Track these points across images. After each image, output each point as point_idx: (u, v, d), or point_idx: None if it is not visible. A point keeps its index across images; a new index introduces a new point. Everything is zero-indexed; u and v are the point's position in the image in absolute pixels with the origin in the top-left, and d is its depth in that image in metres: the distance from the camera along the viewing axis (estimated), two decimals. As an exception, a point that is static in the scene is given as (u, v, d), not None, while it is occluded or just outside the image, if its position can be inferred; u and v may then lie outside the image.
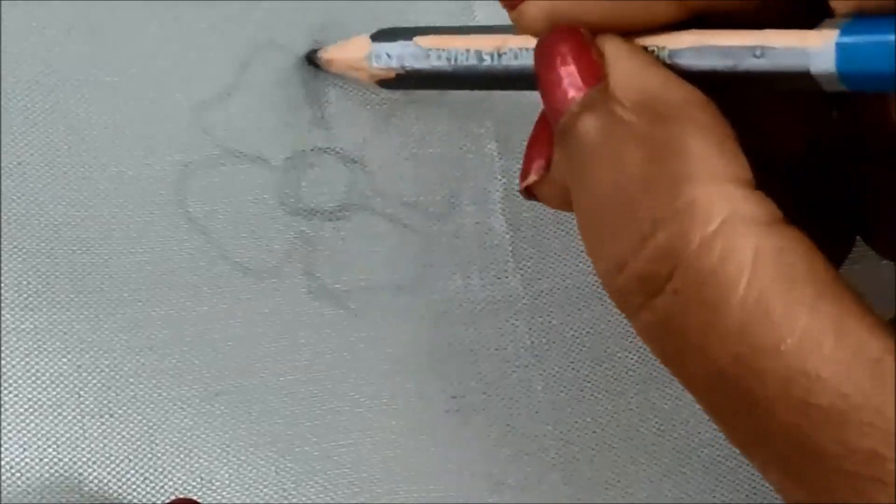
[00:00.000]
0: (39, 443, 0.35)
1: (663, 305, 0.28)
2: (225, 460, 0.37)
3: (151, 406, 0.37)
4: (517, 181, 0.41)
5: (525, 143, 0.42)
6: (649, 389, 0.40)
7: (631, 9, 0.30)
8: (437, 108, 0.42)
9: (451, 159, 0.41)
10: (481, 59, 0.35)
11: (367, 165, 0.41)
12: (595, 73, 0.30)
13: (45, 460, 0.35)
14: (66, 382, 0.36)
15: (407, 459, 0.38)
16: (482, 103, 0.42)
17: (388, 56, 0.37)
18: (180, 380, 0.37)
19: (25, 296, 0.37)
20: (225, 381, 0.37)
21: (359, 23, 0.40)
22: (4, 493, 0.35)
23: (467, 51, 0.35)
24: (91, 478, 0.36)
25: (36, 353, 0.36)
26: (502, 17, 0.33)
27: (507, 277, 0.41)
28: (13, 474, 0.35)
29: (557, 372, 0.40)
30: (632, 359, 0.41)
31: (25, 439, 0.35)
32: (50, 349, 0.36)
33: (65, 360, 0.36)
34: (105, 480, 0.36)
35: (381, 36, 0.38)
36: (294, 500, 0.37)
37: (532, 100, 0.42)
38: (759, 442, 0.28)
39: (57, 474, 0.35)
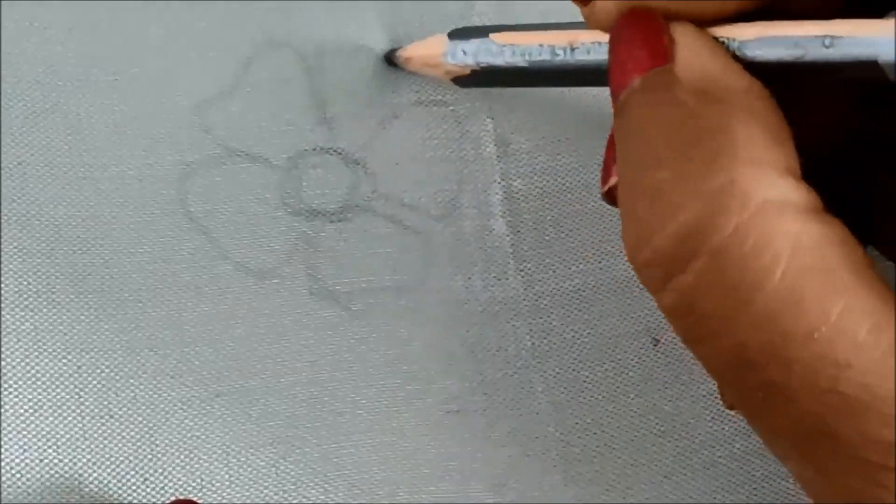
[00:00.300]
0: (39, 443, 0.35)
1: (686, 286, 0.28)
2: (225, 461, 0.37)
3: (152, 407, 0.37)
4: (517, 183, 0.41)
5: (524, 145, 0.42)
6: (650, 391, 0.40)
7: None
8: (439, 110, 0.42)
9: (451, 161, 0.41)
10: (554, 55, 0.35)
11: (368, 166, 0.41)
12: (662, 54, 0.30)
13: (45, 461, 0.35)
14: (66, 383, 0.36)
15: (407, 461, 0.38)
16: (483, 106, 0.42)
17: (464, 53, 0.38)
18: (181, 381, 0.37)
19: (25, 296, 0.36)
20: (225, 382, 0.37)
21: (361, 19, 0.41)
22: (4, 493, 0.35)
23: (540, 46, 0.35)
24: (91, 478, 0.36)
25: (36, 353, 0.36)
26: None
27: (507, 279, 0.41)
28: (13, 475, 0.35)
29: (558, 373, 0.40)
30: (632, 360, 0.41)
31: (25, 440, 0.35)
32: (50, 350, 0.36)
33: (65, 360, 0.36)
34: (105, 481, 0.36)
35: (458, 34, 0.39)
36: (294, 502, 0.37)
37: (533, 102, 0.42)
38: (778, 428, 0.28)
39: (57, 475, 0.35)
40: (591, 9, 0.33)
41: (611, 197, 0.33)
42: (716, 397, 0.40)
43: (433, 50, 0.39)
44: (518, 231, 0.41)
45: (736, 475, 0.40)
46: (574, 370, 0.40)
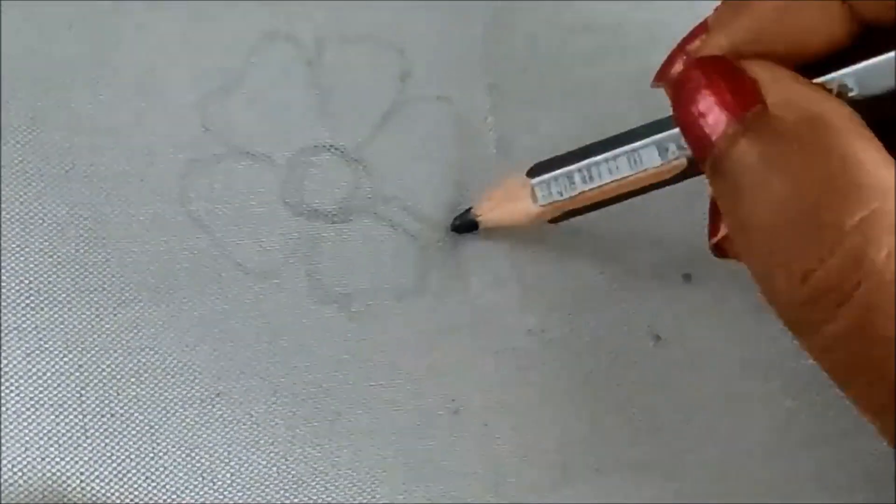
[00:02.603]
0: (41, 442, 0.35)
1: (851, 315, 0.28)
2: (226, 461, 0.37)
3: (153, 406, 0.37)
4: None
5: (525, 145, 0.42)
6: (649, 391, 0.40)
7: (805, 30, 0.31)
8: (440, 108, 0.42)
9: (452, 161, 0.41)
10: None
11: (369, 165, 0.41)
12: (751, 95, 0.30)
13: (47, 460, 0.35)
14: (67, 382, 0.36)
15: (407, 460, 0.38)
16: (484, 104, 0.42)
17: (557, 192, 0.37)
18: (182, 380, 0.37)
19: (27, 295, 0.36)
20: (226, 382, 0.37)
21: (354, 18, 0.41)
22: (5, 492, 0.35)
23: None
24: (93, 477, 0.36)
25: (37, 352, 0.36)
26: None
27: (506, 280, 0.41)
28: (14, 473, 0.35)
29: (557, 373, 0.40)
30: (631, 361, 0.41)
31: (26, 439, 0.35)
32: (51, 348, 0.36)
33: (66, 359, 0.36)
34: (107, 480, 0.36)
35: (536, 171, 0.38)
36: (295, 501, 0.37)
37: (535, 102, 0.42)
38: None
39: (58, 474, 0.35)
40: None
41: (720, 250, 0.33)
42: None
43: (520, 199, 0.38)
44: (517, 232, 0.41)
45: (736, 474, 0.40)
46: (573, 370, 0.40)
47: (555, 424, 0.39)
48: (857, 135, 0.29)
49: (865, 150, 0.28)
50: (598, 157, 0.36)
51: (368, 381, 0.39)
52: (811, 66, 0.31)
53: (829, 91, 0.30)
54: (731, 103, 0.30)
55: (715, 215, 0.34)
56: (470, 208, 0.40)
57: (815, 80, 0.31)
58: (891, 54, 0.30)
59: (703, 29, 0.33)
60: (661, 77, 0.33)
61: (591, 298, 0.41)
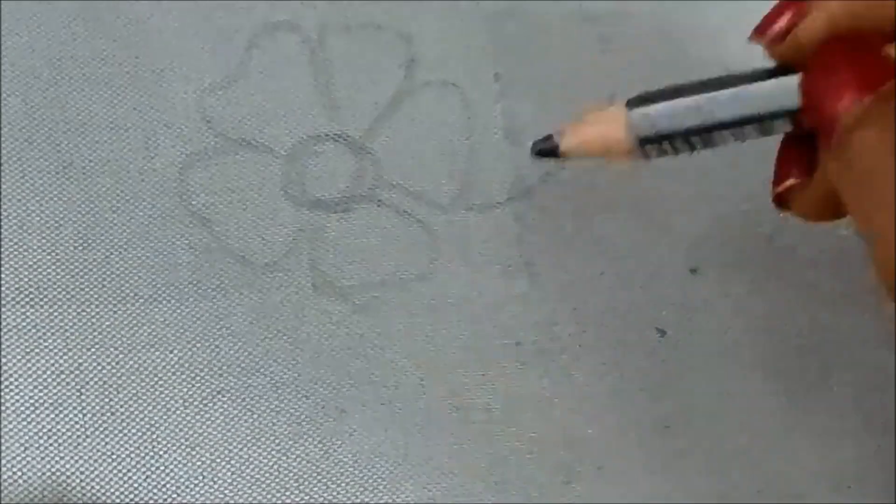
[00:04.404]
0: (40, 441, 0.35)
1: None
2: (227, 458, 0.37)
3: (153, 404, 0.37)
4: (525, 173, 0.40)
5: (534, 134, 0.41)
6: (654, 387, 0.40)
7: None
8: (448, 94, 0.41)
9: (459, 149, 0.41)
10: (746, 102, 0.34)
11: (374, 153, 0.40)
12: (885, 73, 0.29)
13: (47, 458, 0.35)
14: (67, 380, 0.36)
15: (409, 458, 0.38)
16: (492, 91, 0.42)
17: (654, 122, 0.35)
18: (182, 377, 0.37)
19: (26, 293, 0.36)
20: (227, 379, 0.37)
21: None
22: (5, 491, 0.35)
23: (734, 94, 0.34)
24: (92, 476, 0.36)
25: (37, 350, 0.36)
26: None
27: (513, 272, 0.40)
28: (14, 472, 0.35)
29: (563, 367, 0.40)
30: (637, 354, 0.40)
31: (26, 437, 0.35)
32: (51, 347, 0.36)
33: (66, 357, 0.36)
34: (107, 478, 0.36)
35: (636, 102, 0.35)
36: (296, 499, 0.37)
37: (544, 89, 0.42)
38: None
39: (58, 472, 0.35)
40: (793, 36, 0.31)
41: (782, 200, 0.33)
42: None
43: (612, 128, 0.35)
44: (524, 222, 0.41)
45: (740, 471, 0.40)
46: (578, 364, 0.40)
47: (559, 421, 0.39)
48: None
49: None
50: (728, 120, 0.34)
51: (371, 377, 0.38)
52: None
53: None
54: (867, 78, 0.30)
55: (784, 164, 0.33)
56: (551, 135, 0.37)
57: None
58: None
59: None
60: (762, 32, 0.32)
61: (597, 292, 0.41)
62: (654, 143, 0.35)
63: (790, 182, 0.32)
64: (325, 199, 0.40)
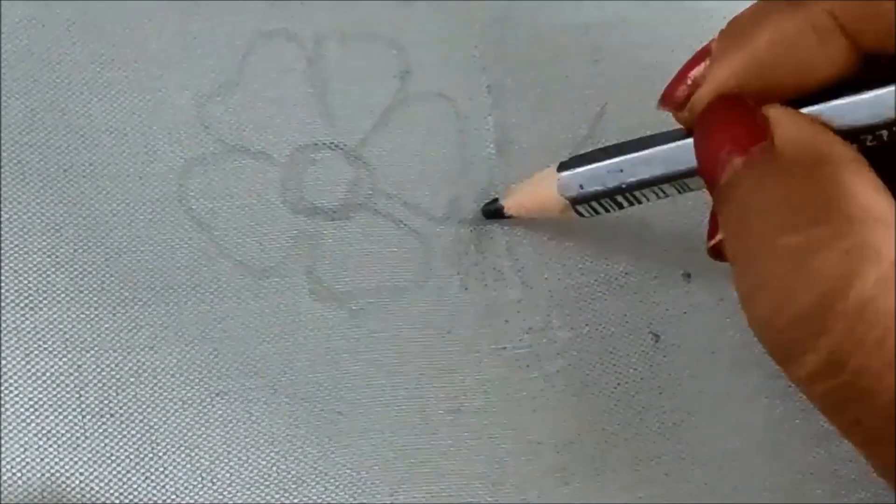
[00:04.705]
0: (40, 442, 0.35)
1: (834, 343, 0.28)
2: (225, 460, 0.37)
3: (152, 406, 0.37)
4: (517, 181, 0.41)
5: (525, 144, 0.42)
6: (650, 389, 0.40)
7: (806, 63, 0.32)
8: (440, 105, 0.42)
9: (452, 159, 0.41)
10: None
11: (369, 162, 0.41)
12: (760, 133, 0.31)
13: (46, 460, 0.35)
14: (66, 382, 0.36)
15: (406, 460, 0.38)
16: (484, 102, 0.42)
17: (580, 186, 0.38)
18: (181, 379, 0.37)
19: (26, 295, 0.36)
20: (226, 382, 0.37)
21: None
22: (4, 492, 0.35)
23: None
24: (92, 477, 0.36)
25: (36, 352, 0.36)
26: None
27: (506, 279, 0.41)
28: (13, 473, 0.35)
29: (557, 372, 0.40)
30: (632, 358, 0.41)
31: (26, 439, 0.35)
32: (50, 348, 0.36)
33: (65, 359, 0.36)
34: (106, 480, 0.36)
35: (566, 166, 0.38)
36: (295, 501, 0.37)
37: (535, 100, 0.42)
38: None
39: (58, 474, 0.35)
40: (690, 106, 0.33)
41: (716, 252, 0.34)
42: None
43: (544, 190, 0.39)
44: (516, 231, 0.41)
45: (736, 473, 0.40)
46: (573, 369, 0.40)
47: (555, 424, 0.39)
48: (853, 171, 0.30)
49: (858, 184, 0.29)
50: (645, 179, 0.36)
51: (368, 379, 0.39)
52: (819, 95, 0.32)
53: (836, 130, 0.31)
54: (741, 139, 0.31)
55: (714, 220, 0.34)
56: (496, 199, 0.41)
57: (805, 110, 0.32)
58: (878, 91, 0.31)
59: (704, 54, 0.34)
60: (666, 101, 0.34)
61: (591, 297, 0.41)
62: (582, 202, 0.38)
63: (720, 237, 0.33)
64: (323, 207, 0.40)
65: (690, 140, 0.34)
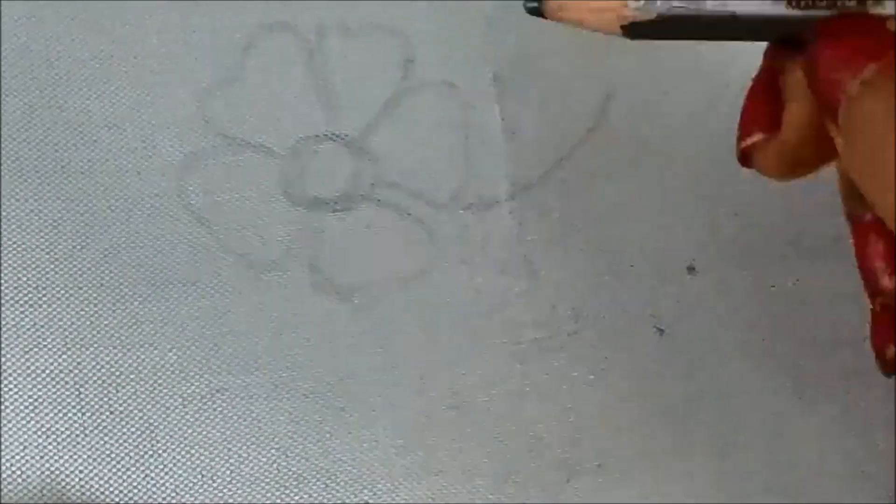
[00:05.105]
0: (40, 440, 0.35)
1: None
2: (226, 457, 0.37)
3: (152, 403, 0.37)
4: (523, 172, 0.40)
5: (531, 133, 0.41)
6: (654, 382, 0.40)
7: None
8: (446, 94, 0.41)
9: (457, 149, 0.41)
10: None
11: (372, 152, 0.40)
12: (882, 49, 0.29)
13: (46, 457, 0.35)
14: (66, 379, 0.36)
15: (408, 456, 0.38)
16: (491, 91, 0.42)
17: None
18: (181, 376, 0.37)
19: (25, 292, 0.36)
20: (226, 378, 0.37)
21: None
22: (4, 490, 0.35)
23: None
24: (92, 474, 0.36)
25: (36, 349, 0.36)
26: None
27: (512, 270, 0.40)
28: (13, 471, 0.35)
29: (561, 365, 0.40)
30: (636, 352, 0.40)
31: (26, 436, 0.35)
32: (50, 346, 0.36)
33: (65, 356, 0.36)
34: (106, 477, 0.36)
35: None
36: (296, 498, 0.37)
37: (541, 88, 0.42)
38: None
39: (57, 471, 0.35)
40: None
41: (745, 157, 0.32)
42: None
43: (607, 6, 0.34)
44: (523, 221, 0.41)
45: (738, 468, 0.40)
46: (578, 362, 0.40)
47: (558, 419, 0.39)
48: None
49: None
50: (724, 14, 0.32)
51: (370, 375, 0.38)
52: None
53: None
54: (861, 56, 0.29)
55: (748, 120, 0.33)
56: None
57: None
58: None
59: None
60: None
61: (595, 291, 0.41)
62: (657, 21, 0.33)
63: (755, 138, 0.32)
64: (324, 199, 0.40)
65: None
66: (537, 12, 0.36)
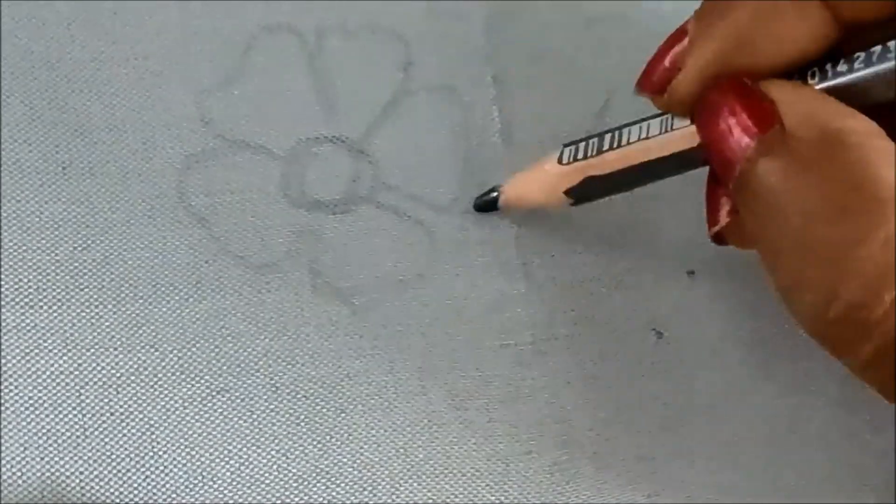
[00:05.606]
0: (40, 441, 0.35)
1: (885, 333, 0.28)
2: (226, 459, 0.37)
3: (152, 404, 0.37)
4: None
5: (529, 136, 0.42)
6: (651, 388, 0.40)
7: (787, 38, 0.31)
8: (445, 97, 0.41)
9: (456, 151, 0.41)
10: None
11: (372, 155, 0.40)
12: (768, 117, 0.30)
13: (46, 459, 0.35)
14: (66, 380, 0.36)
15: (409, 457, 0.38)
16: (488, 94, 0.42)
17: (576, 157, 0.37)
18: (181, 377, 0.37)
19: (25, 293, 0.36)
20: (226, 379, 0.37)
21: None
22: (4, 491, 0.35)
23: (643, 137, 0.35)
24: (92, 476, 0.35)
25: (36, 351, 0.36)
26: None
27: (510, 273, 0.40)
28: (13, 473, 0.35)
29: (561, 368, 0.40)
30: (636, 354, 0.40)
31: (26, 438, 0.35)
32: (50, 347, 0.36)
33: (65, 358, 0.36)
34: (106, 479, 0.36)
35: (568, 144, 0.38)
36: (295, 499, 0.37)
37: (539, 92, 0.42)
38: None
39: (57, 473, 0.35)
40: (669, 93, 0.32)
41: (719, 239, 0.33)
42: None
43: (541, 167, 0.38)
44: (522, 224, 0.41)
45: (737, 473, 0.40)
46: (577, 365, 0.40)
47: (557, 422, 0.39)
48: (876, 149, 0.29)
49: (885, 161, 0.28)
50: (630, 123, 0.35)
51: (370, 376, 0.38)
52: (806, 67, 0.31)
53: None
54: (749, 126, 0.30)
55: (713, 205, 0.34)
56: (494, 188, 0.40)
57: (818, 86, 0.31)
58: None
59: (680, 35, 0.33)
60: (644, 86, 0.33)
61: (594, 295, 0.41)
62: (580, 187, 0.37)
63: (722, 222, 0.32)
64: (324, 201, 0.40)
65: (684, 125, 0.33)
66: (491, 206, 0.40)
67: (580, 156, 0.37)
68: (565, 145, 0.38)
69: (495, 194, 0.40)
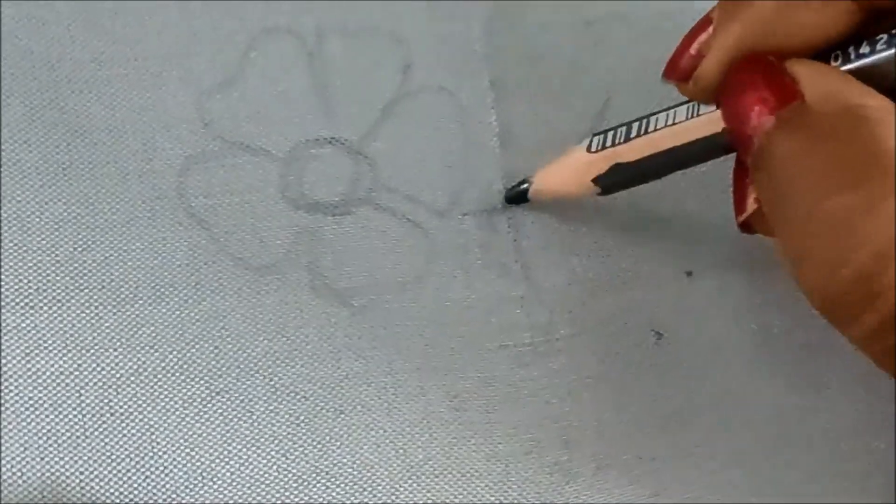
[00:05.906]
0: (40, 442, 0.35)
1: (889, 304, 0.28)
2: (226, 459, 0.37)
3: (152, 404, 0.37)
4: (518, 177, 0.41)
5: (527, 138, 0.42)
6: (651, 388, 0.40)
7: (810, 24, 0.31)
8: (443, 99, 0.41)
9: (454, 153, 0.41)
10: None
11: (371, 157, 0.40)
12: (790, 93, 0.31)
13: (46, 459, 0.35)
14: (66, 381, 0.36)
15: (408, 458, 0.38)
16: (486, 96, 0.42)
17: (604, 145, 0.38)
18: (181, 378, 0.37)
19: (25, 294, 0.36)
20: (226, 380, 0.37)
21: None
22: (4, 492, 0.35)
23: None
24: (92, 476, 0.35)
25: (36, 351, 0.36)
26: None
27: (509, 274, 0.40)
28: (13, 473, 0.35)
29: (559, 369, 0.40)
30: (634, 356, 0.40)
31: (26, 438, 0.35)
32: (50, 348, 0.36)
33: (65, 358, 0.36)
34: (106, 479, 0.36)
35: (598, 133, 0.38)
36: (296, 499, 0.37)
37: (537, 94, 0.42)
38: None
39: (57, 473, 0.35)
40: (695, 80, 0.33)
41: (746, 227, 0.34)
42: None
43: (570, 157, 0.39)
44: (520, 225, 0.41)
45: (737, 472, 0.40)
46: (575, 366, 0.40)
47: (557, 422, 0.39)
48: (889, 123, 0.29)
49: None
50: (658, 111, 0.36)
51: (369, 377, 0.38)
52: (829, 50, 0.32)
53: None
54: (770, 100, 0.31)
55: (740, 193, 0.34)
56: (524, 179, 0.40)
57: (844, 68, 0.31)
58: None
59: (706, 23, 0.33)
60: (670, 73, 0.34)
61: (593, 294, 0.41)
62: (610, 175, 0.38)
63: (750, 209, 0.33)
64: (323, 202, 0.40)
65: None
66: (522, 198, 0.40)
67: (608, 143, 0.37)
68: (594, 134, 0.38)
69: (525, 185, 0.40)
